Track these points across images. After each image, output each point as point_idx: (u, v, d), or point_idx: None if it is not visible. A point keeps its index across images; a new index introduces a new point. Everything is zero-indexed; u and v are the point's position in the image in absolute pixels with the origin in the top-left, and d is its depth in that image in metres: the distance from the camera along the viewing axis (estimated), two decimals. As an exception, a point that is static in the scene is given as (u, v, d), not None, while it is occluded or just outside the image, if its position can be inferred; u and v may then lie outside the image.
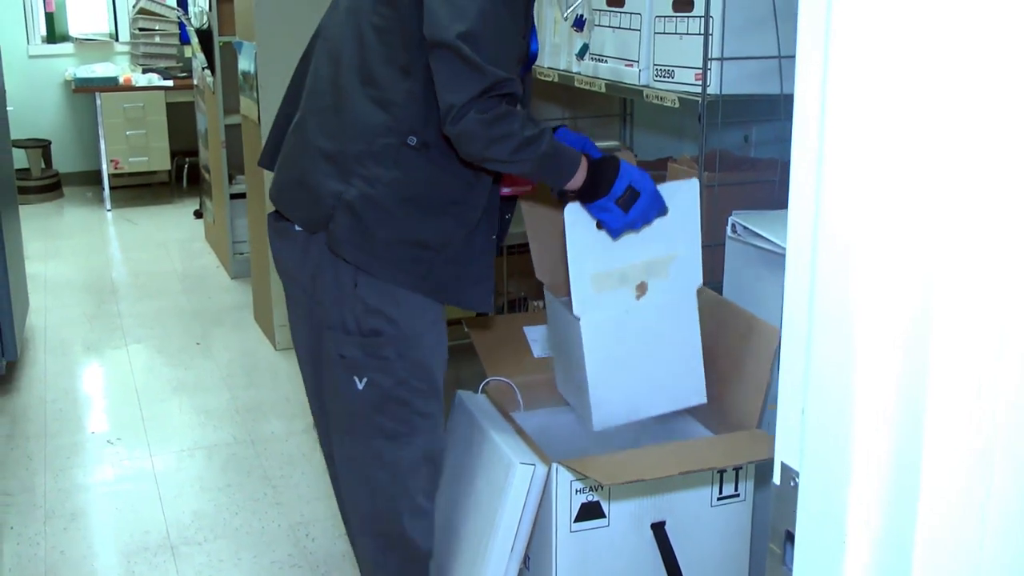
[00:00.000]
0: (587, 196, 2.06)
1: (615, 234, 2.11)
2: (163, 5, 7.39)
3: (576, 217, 2.08)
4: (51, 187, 7.63)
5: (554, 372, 2.50)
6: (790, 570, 0.88)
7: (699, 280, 2.27)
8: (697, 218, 2.22)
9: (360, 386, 2.05)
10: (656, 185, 2.10)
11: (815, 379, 0.82)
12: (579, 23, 2.94)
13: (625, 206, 2.05)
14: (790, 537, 0.88)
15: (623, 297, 2.20)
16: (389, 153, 1.97)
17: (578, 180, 2.01)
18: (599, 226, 2.10)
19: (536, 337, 2.58)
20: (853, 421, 0.79)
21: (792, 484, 0.87)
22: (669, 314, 2.26)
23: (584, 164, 2.02)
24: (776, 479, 0.89)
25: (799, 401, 0.84)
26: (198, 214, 6.92)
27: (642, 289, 2.21)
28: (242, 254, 5.64)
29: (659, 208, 2.12)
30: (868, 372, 0.78)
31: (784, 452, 0.87)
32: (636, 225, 2.10)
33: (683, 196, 2.18)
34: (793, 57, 0.86)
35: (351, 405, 2.09)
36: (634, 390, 2.28)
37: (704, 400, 2.32)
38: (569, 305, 2.21)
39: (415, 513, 2.16)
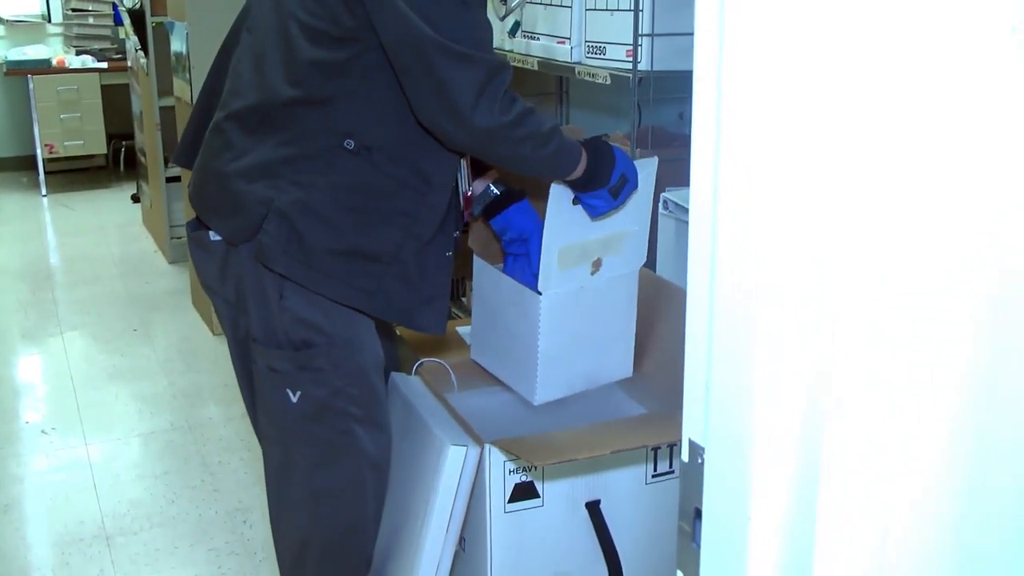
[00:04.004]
0: (585, 186, 2.00)
1: (595, 216, 2.09)
2: (96, -15, 7.25)
3: (560, 192, 2.05)
4: (-16, 173, 7.48)
5: (472, 340, 2.48)
6: (699, 547, 0.87)
7: (644, 257, 2.30)
8: (651, 196, 2.23)
9: (294, 399, 1.95)
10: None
11: (718, 355, 0.81)
12: None
13: (615, 193, 2.03)
14: (699, 514, 0.87)
15: (580, 273, 2.20)
16: (323, 156, 1.86)
17: (580, 170, 1.96)
18: (575, 201, 2.08)
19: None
20: (754, 396, 0.78)
21: (699, 461, 0.86)
22: (616, 290, 2.28)
23: (584, 155, 1.96)
24: (684, 456, 0.88)
25: (703, 377, 0.83)
26: (135, 198, 6.81)
27: (597, 265, 2.22)
28: (179, 238, 5.55)
29: (636, 187, 2.10)
30: (769, 347, 0.77)
31: (691, 429, 0.86)
32: (617, 207, 2.09)
33: (645, 174, 2.18)
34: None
35: (286, 418, 1.99)
36: (575, 365, 2.29)
37: (630, 374, 2.34)
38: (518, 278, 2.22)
39: (361, 523, 2.09)
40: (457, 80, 1.76)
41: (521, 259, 2.23)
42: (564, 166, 1.95)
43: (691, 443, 0.87)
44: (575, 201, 2.08)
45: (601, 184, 2.00)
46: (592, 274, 2.22)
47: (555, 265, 2.14)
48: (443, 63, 1.76)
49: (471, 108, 1.76)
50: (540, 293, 2.15)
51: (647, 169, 2.18)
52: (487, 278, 2.36)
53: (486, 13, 1.92)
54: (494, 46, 2.99)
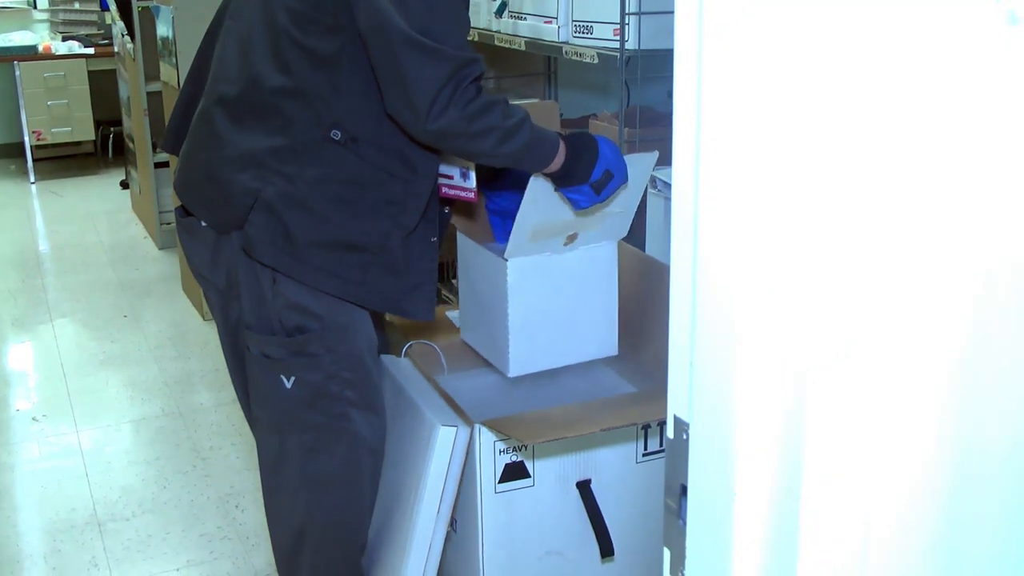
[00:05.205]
0: (564, 180, 1.98)
1: (579, 209, 2.07)
2: (81, -30, 7.20)
3: (540, 180, 2.03)
4: (-28, 161, 7.45)
5: (460, 320, 2.48)
6: (685, 524, 0.87)
7: (624, 233, 2.28)
8: (644, 186, 2.21)
9: (288, 385, 1.94)
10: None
11: (701, 330, 0.81)
12: (497, -20, 2.91)
13: (598, 188, 1.99)
14: (684, 491, 0.87)
15: (552, 244, 2.20)
16: (310, 148, 1.84)
17: (556, 164, 1.93)
18: (556, 188, 2.05)
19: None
20: (738, 371, 0.77)
21: (684, 437, 0.85)
22: (592, 263, 2.27)
23: (563, 148, 1.93)
24: (670, 433, 0.88)
25: (687, 353, 0.83)
26: (124, 184, 6.78)
27: (572, 238, 2.20)
28: (169, 224, 5.54)
29: (625, 182, 2.07)
30: (752, 322, 0.77)
31: (675, 405, 0.86)
32: (602, 201, 2.06)
33: (641, 167, 2.16)
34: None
35: (280, 404, 1.98)
36: (551, 338, 2.28)
37: (615, 352, 2.33)
38: (489, 247, 2.21)
39: (358, 507, 2.09)
40: (419, 75, 1.74)
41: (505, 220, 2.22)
42: (536, 160, 1.93)
43: (676, 419, 0.87)
44: (556, 189, 2.06)
45: (581, 180, 1.97)
46: (564, 244, 2.21)
47: (526, 239, 2.13)
48: (407, 56, 1.74)
49: (428, 103, 1.74)
50: (506, 260, 2.15)
51: (642, 165, 2.16)
52: (468, 253, 2.36)
53: (466, 8, 1.89)
54: (481, 27, 2.98)
